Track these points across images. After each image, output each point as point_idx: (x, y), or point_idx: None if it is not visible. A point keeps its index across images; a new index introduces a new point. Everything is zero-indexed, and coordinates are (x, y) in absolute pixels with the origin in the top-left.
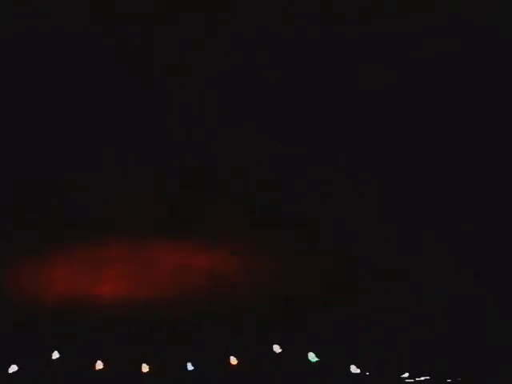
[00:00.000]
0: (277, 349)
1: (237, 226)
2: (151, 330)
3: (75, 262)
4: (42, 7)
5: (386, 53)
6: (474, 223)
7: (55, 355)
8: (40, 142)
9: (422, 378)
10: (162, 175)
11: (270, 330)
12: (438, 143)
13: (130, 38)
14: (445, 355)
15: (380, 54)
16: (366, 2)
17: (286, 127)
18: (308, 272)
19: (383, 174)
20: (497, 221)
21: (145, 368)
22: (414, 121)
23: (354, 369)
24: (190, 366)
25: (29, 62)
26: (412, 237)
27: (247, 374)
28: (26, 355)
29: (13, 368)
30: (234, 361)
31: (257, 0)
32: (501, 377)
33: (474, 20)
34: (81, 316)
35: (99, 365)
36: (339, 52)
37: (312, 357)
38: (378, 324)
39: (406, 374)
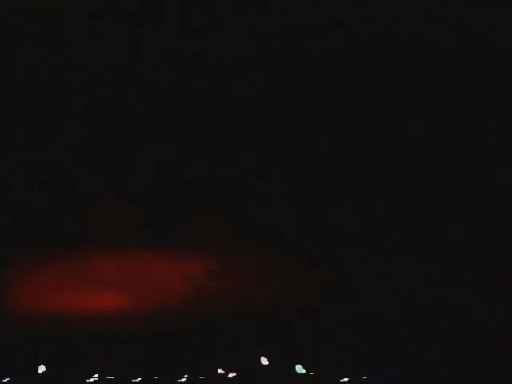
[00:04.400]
0: (264, 361)
1: (224, 235)
2: (137, 342)
3: (62, 275)
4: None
5: (385, 53)
6: (470, 225)
7: (41, 369)
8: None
9: None
10: (147, 185)
11: (257, 342)
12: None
13: None
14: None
15: (379, 55)
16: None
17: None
18: (295, 283)
19: (374, 182)
20: (497, 221)
21: (134, 380)
22: (413, 122)
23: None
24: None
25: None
26: (402, 251)
27: None
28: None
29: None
30: (221, 372)
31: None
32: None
33: (474, 20)
34: (69, 328)
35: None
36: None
37: (300, 369)
38: (368, 334)
39: None
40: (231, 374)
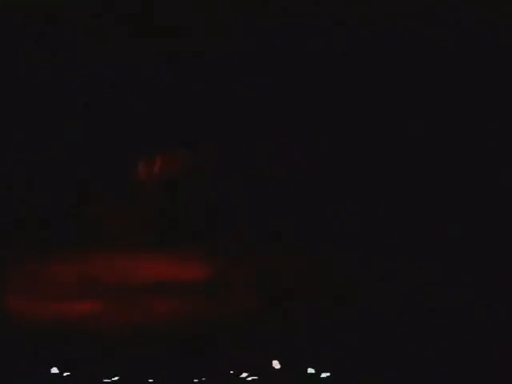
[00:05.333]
0: (276, 365)
1: (231, 236)
2: (146, 347)
3: (63, 275)
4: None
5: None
6: (468, 224)
7: (53, 370)
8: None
9: None
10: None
11: (268, 345)
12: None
13: None
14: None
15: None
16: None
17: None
18: (306, 284)
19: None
20: (497, 221)
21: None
22: (413, 122)
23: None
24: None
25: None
26: (402, 251)
27: None
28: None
29: None
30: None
31: None
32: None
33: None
34: (69, 330)
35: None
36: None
37: (311, 371)
38: (370, 334)
39: None
40: (243, 375)
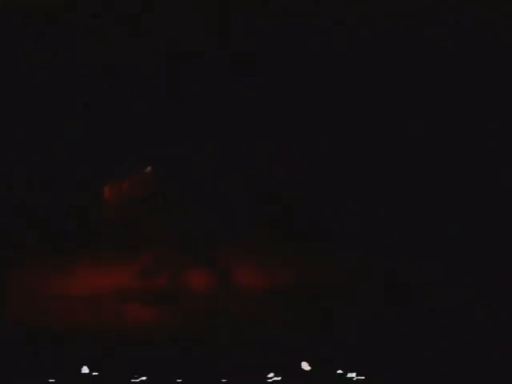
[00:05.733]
0: (305, 366)
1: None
2: (171, 348)
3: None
4: None
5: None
6: (472, 224)
7: (84, 370)
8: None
9: None
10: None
11: (298, 347)
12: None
13: None
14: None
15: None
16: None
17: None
18: (306, 284)
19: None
20: (497, 221)
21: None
22: (413, 122)
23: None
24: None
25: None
26: (402, 251)
27: None
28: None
29: None
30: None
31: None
32: None
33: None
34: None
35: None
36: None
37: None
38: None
39: None
40: (270, 375)
